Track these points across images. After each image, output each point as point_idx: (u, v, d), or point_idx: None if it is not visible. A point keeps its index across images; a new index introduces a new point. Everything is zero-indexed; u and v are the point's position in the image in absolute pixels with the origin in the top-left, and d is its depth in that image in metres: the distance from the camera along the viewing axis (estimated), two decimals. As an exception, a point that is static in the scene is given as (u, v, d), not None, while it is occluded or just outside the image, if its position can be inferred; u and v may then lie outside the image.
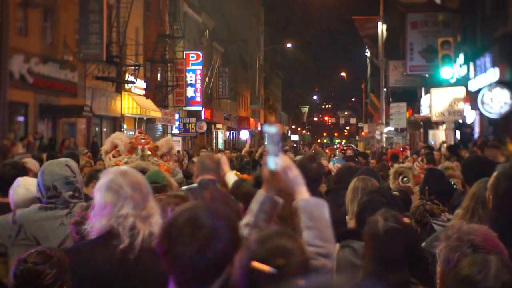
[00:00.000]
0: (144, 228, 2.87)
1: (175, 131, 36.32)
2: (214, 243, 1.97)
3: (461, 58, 23.00)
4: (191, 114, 38.22)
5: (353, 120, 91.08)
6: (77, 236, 3.42)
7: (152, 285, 2.83)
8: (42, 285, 2.78)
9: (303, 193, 2.56)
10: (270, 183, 2.55)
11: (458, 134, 21.57)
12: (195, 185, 5.17)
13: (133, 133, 30.34)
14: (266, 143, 2.46)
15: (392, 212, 3.10)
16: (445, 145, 16.65)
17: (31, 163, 7.09)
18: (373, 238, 2.42)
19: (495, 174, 3.35)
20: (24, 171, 5.08)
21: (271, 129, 2.43)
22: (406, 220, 3.03)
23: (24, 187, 4.34)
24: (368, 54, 52.87)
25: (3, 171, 4.90)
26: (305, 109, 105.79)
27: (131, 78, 27.98)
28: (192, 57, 37.78)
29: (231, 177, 6.26)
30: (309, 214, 2.51)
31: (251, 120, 58.48)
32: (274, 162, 2.44)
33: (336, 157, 13.11)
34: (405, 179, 7.43)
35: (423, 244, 4.02)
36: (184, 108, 37.47)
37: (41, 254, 2.86)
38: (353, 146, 50.33)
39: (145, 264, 2.85)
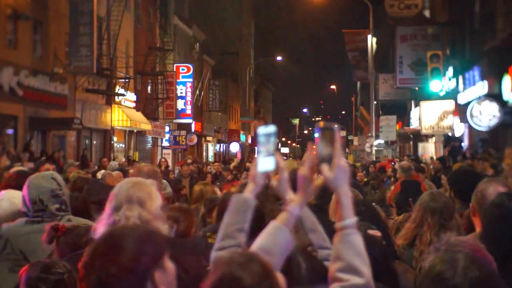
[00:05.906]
0: None
1: (165, 143, 36.26)
2: None
3: (450, 71, 23.11)
4: (181, 126, 38.16)
5: (343, 133, 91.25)
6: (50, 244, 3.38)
7: None
8: None
9: (293, 196, 2.41)
10: (260, 186, 2.38)
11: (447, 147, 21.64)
12: None
13: (123, 146, 30.32)
14: (260, 143, 2.33)
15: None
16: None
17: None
18: None
19: (489, 201, 3.35)
20: None
21: (268, 129, 2.33)
22: (375, 232, 3.02)
23: (8, 200, 4.30)
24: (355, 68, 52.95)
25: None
26: (296, 121, 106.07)
27: (121, 91, 27.94)
28: (183, 69, 37.75)
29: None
30: (309, 217, 2.49)
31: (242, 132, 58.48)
32: (272, 161, 2.31)
33: None
34: None
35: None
36: (174, 121, 37.43)
37: (57, 264, 2.86)
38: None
39: None
